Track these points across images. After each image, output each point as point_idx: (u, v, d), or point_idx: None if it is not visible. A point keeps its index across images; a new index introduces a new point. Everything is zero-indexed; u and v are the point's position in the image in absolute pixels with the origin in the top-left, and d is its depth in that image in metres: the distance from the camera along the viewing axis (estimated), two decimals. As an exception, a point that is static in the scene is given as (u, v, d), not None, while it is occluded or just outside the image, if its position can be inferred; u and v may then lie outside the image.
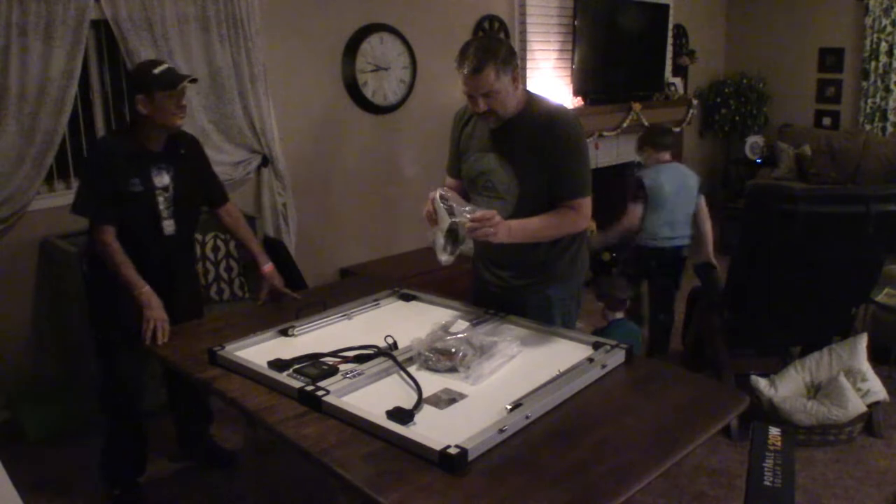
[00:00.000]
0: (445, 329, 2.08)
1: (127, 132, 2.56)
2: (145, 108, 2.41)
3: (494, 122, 2.23)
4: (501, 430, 1.57)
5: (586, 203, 2.25)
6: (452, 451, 1.47)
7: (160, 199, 2.53)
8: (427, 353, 1.95)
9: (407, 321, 2.34)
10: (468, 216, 2.06)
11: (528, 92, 2.31)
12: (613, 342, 2.03)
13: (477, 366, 1.90)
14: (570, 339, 2.14)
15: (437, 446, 1.49)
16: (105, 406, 2.71)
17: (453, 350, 1.94)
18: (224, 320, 2.56)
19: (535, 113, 2.24)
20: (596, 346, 2.04)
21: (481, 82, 2.11)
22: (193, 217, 2.72)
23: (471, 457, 1.49)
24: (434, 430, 1.59)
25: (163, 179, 2.54)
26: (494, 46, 2.15)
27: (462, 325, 2.21)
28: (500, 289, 2.42)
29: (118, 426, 2.72)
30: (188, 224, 2.68)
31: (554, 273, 2.34)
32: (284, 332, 2.24)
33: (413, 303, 2.55)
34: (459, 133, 2.43)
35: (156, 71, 2.42)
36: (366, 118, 4.58)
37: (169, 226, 2.57)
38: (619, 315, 3.36)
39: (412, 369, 1.93)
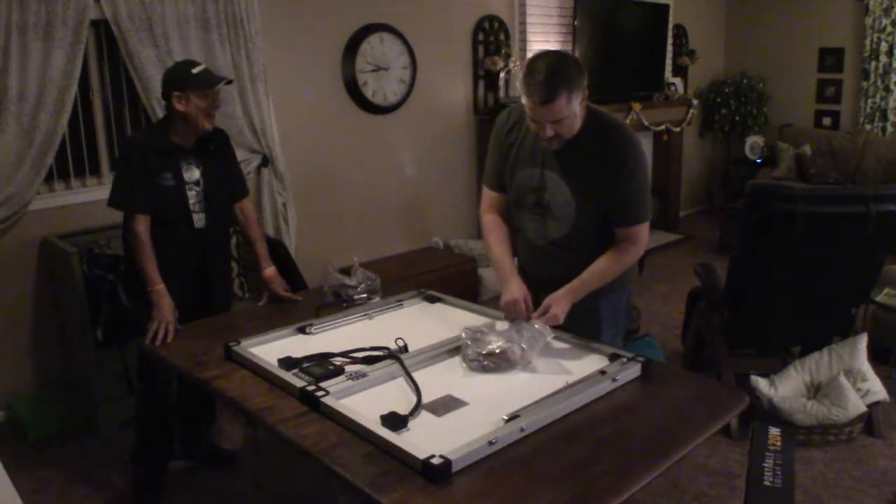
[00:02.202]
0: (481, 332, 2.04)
1: (158, 128, 2.61)
2: (180, 104, 2.46)
3: (557, 144, 2.08)
4: (491, 443, 1.53)
5: (643, 229, 2.15)
6: (436, 461, 1.45)
7: (191, 193, 2.59)
8: (482, 360, 1.95)
9: (428, 323, 2.30)
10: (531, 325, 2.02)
11: (588, 107, 2.12)
12: (631, 354, 1.97)
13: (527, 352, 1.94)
14: (589, 349, 2.07)
15: (422, 455, 1.46)
16: (136, 390, 2.79)
17: (499, 350, 1.95)
18: (228, 320, 2.56)
19: (597, 130, 2.10)
20: (613, 357, 1.98)
21: (553, 112, 1.95)
22: (224, 210, 2.74)
23: (456, 467, 1.47)
24: (425, 438, 1.57)
25: (193, 174, 2.59)
26: (564, 67, 1.95)
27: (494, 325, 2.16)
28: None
29: (146, 411, 2.78)
30: (219, 217, 2.70)
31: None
32: (302, 330, 2.24)
33: (438, 305, 2.50)
34: (505, 142, 2.25)
35: (194, 70, 2.47)
36: (366, 118, 4.58)
37: (199, 219, 2.62)
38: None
39: (467, 371, 1.93)
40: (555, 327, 2.09)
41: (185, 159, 2.57)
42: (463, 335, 2.01)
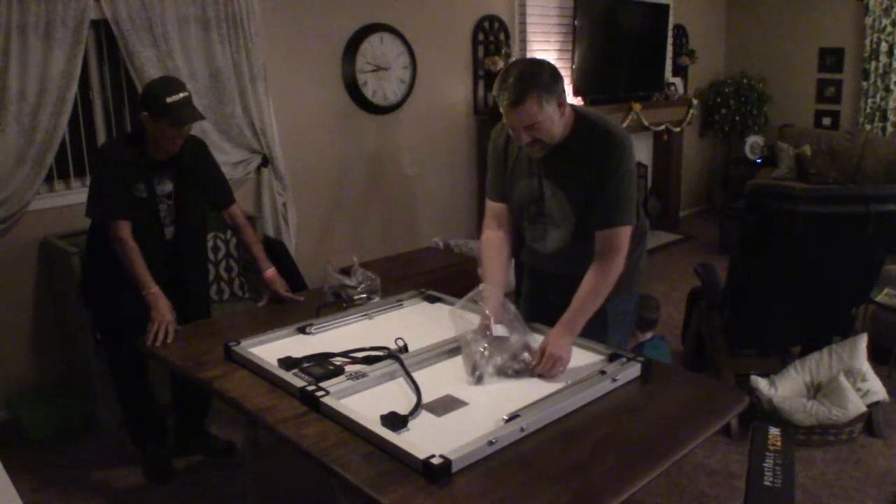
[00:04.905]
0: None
1: (131, 139, 2.60)
2: (148, 126, 2.46)
3: (539, 150, 2.04)
4: (491, 443, 1.54)
5: (624, 233, 2.06)
6: (436, 461, 1.45)
7: (162, 206, 2.60)
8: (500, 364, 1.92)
9: (429, 323, 2.30)
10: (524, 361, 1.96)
11: (576, 111, 2.11)
12: (630, 354, 1.97)
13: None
14: (589, 349, 2.07)
15: (422, 455, 1.47)
16: (113, 371, 2.84)
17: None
18: (228, 320, 2.57)
19: (584, 132, 2.07)
20: (613, 357, 1.98)
21: (524, 115, 1.93)
22: (197, 221, 2.76)
23: (456, 467, 1.47)
24: (425, 438, 1.57)
25: (165, 187, 2.60)
26: (536, 72, 1.94)
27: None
28: (554, 305, 2.14)
29: (126, 395, 2.86)
30: (191, 228, 2.72)
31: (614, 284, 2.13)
32: (302, 330, 2.24)
33: (438, 305, 2.50)
34: (503, 154, 2.23)
35: (169, 100, 2.41)
36: (366, 118, 4.58)
37: (169, 231, 2.64)
38: (649, 335, 3.33)
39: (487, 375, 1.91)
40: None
41: (158, 172, 2.57)
42: (480, 350, 1.94)
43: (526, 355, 1.97)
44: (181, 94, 2.44)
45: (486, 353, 1.92)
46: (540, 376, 1.92)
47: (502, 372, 1.93)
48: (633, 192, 2.09)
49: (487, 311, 2.03)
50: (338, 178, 4.53)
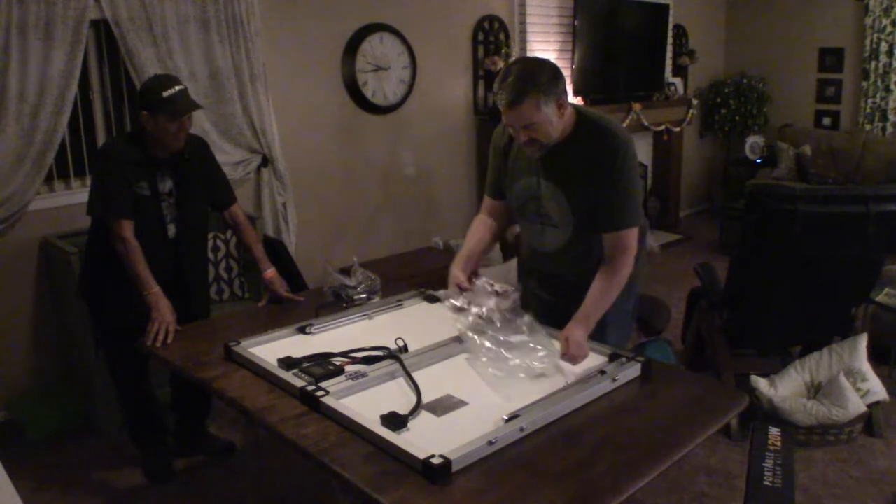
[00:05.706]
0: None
1: (133, 138, 2.61)
2: (148, 125, 2.47)
3: (538, 150, 2.04)
4: (491, 443, 1.54)
5: (631, 234, 2.07)
6: (436, 460, 1.45)
7: (164, 204, 2.60)
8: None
9: (428, 323, 2.30)
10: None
11: (578, 111, 2.10)
12: (630, 354, 1.97)
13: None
14: (590, 349, 2.03)
15: (422, 455, 1.47)
16: (113, 372, 2.84)
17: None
18: (228, 320, 2.56)
19: (586, 133, 2.06)
20: (612, 357, 1.97)
21: (521, 115, 1.92)
22: (198, 220, 2.76)
23: (456, 467, 1.47)
24: (425, 438, 1.57)
25: (166, 185, 2.61)
26: (535, 72, 1.93)
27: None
28: (555, 305, 2.22)
29: (126, 394, 2.86)
30: (193, 227, 2.72)
31: None
32: (302, 330, 2.24)
33: (437, 305, 2.48)
34: (503, 156, 2.24)
35: (165, 94, 2.43)
36: (366, 118, 4.58)
37: (172, 230, 2.64)
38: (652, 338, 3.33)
39: (467, 371, 1.91)
40: (555, 326, 2.09)
41: (160, 170, 2.57)
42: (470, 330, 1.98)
43: (549, 344, 1.97)
44: (177, 88, 2.47)
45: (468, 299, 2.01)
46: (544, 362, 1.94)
47: (482, 317, 1.96)
48: (636, 192, 2.10)
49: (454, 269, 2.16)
50: (338, 178, 4.53)
